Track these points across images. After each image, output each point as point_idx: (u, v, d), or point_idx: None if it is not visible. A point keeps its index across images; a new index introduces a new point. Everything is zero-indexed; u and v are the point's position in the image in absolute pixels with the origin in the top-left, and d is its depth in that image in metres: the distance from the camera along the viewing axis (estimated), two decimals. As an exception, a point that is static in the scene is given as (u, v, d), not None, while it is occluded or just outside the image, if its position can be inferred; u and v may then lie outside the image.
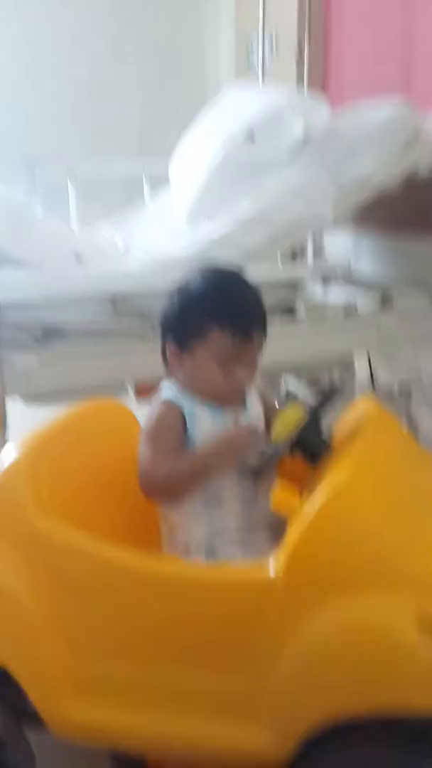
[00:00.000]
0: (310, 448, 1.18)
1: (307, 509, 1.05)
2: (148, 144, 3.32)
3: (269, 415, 1.31)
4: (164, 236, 2.22)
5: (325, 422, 1.24)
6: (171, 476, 1.21)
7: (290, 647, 1.04)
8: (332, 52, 2.98)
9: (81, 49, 3.49)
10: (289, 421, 1.19)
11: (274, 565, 1.05)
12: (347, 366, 2.36)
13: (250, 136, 2.05)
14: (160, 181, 2.61)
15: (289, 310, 2.11)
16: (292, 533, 1.05)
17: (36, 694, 1.19)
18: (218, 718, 1.11)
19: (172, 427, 1.23)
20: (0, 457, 1.26)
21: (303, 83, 2.90)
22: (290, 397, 2.36)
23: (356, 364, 2.46)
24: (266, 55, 3.08)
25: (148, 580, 1.13)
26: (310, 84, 2.88)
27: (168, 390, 1.28)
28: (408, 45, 2.61)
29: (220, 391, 1.25)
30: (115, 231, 2.44)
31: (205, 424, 1.24)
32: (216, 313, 1.22)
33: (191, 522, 1.25)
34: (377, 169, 2.02)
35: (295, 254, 2.53)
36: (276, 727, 1.08)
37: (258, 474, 1.20)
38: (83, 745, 1.23)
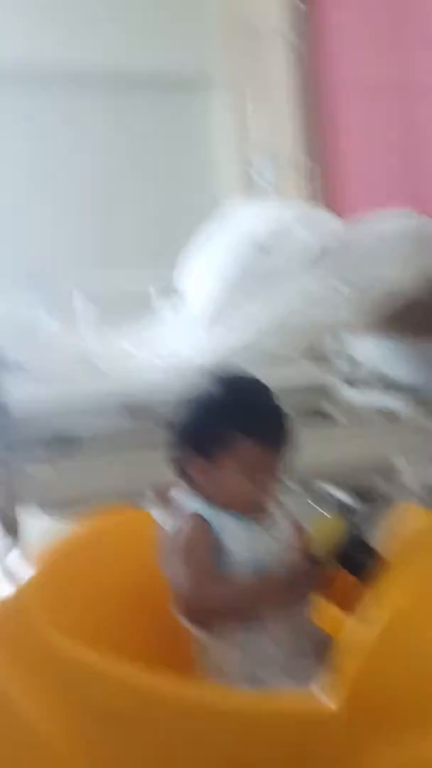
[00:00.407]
0: (357, 561, 1.11)
1: (365, 634, 0.95)
2: (153, 260, 3.38)
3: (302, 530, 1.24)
4: (180, 344, 2.20)
5: (370, 532, 1.17)
6: (228, 603, 1.13)
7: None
8: (335, 169, 3.08)
9: (89, 168, 3.61)
10: (330, 532, 1.14)
11: (330, 695, 0.94)
12: (387, 472, 2.29)
13: (263, 249, 2.08)
14: (166, 294, 2.65)
15: (317, 413, 2.07)
16: (350, 661, 0.95)
17: None
18: None
19: (205, 543, 1.16)
20: (14, 569, 1.19)
21: (307, 199, 2.98)
22: (328, 504, 2.28)
23: (401, 469, 2.39)
24: (268, 175, 3.18)
25: (180, 708, 1.02)
26: (315, 200, 2.95)
27: (192, 503, 1.21)
28: (410, 150, 2.68)
29: (247, 503, 1.19)
30: (127, 340, 2.43)
31: (239, 537, 1.17)
32: (245, 423, 1.18)
33: (231, 648, 1.14)
34: (394, 273, 2.04)
35: (319, 357, 2.51)
36: None
37: (304, 594, 1.14)
38: None
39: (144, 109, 3.71)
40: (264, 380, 1.26)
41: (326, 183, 3.03)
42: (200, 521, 1.17)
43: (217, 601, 1.13)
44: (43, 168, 3.52)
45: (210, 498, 1.20)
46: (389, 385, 2.35)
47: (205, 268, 2.29)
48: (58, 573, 1.18)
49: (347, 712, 0.92)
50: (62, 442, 1.83)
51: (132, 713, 1.03)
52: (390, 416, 2.16)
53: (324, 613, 1.19)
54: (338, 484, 2.29)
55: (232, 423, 1.18)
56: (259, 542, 1.19)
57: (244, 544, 1.17)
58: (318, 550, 1.13)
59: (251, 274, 2.11)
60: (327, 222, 2.21)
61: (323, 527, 1.15)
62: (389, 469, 2.19)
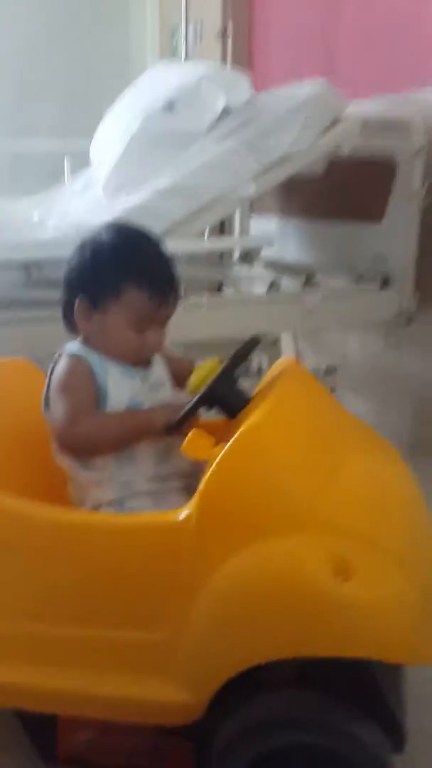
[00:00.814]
0: (226, 400, 1.15)
1: (218, 453, 1.02)
2: (71, 126, 3.26)
3: (183, 373, 1.29)
4: (83, 209, 2.16)
5: (246, 381, 1.22)
6: (97, 432, 1.18)
7: (203, 595, 1.01)
8: (257, 39, 3.00)
9: (8, 31, 3.42)
10: (204, 374, 1.18)
11: (185, 511, 1.02)
12: (273, 346, 2.36)
13: (169, 106, 2.03)
14: (83, 161, 2.57)
15: (215, 288, 2.09)
16: (204, 479, 1.02)
17: None
18: (131, 673, 1.08)
19: (84, 381, 1.20)
20: None
21: (227, 64, 2.90)
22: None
23: (282, 344, 2.47)
24: (191, 41, 3.06)
25: (52, 530, 1.09)
26: (234, 67, 2.87)
27: (73, 345, 1.24)
28: (332, 34, 2.64)
29: (131, 353, 1.23)
30: (34, 207, 2.38)
31: (116, 378, 1.21)
32: (135, 272, 1.19)
33: (102, 479, 1.21)
34: (297, 145, 2.03)
35: (223, 232, 2.52)
36: (191, 680, 1.05)
37: (174, 429, 1.18)
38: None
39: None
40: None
41: (247, 52, 2.95)
42: (80, 361, 1.20)
43: (90, 427, 1.17)
44: None
45: (93, 344, 1.22)
46: (278, 262, 2.40)
47: (112, 130, 2.23)
48: None
49: (197, 523, 1.00)
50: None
51: (13, 538, 1.10)
52: (276, 291, 2.19)
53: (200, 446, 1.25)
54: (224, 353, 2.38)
55: (123, 271, 1.19)
56: (138, 388, 1.23)
57: (123, 388, 1.21)
58: (193, 389, 1.18)
59: (154, 134, 2.06)
60: (236, 82, 2.16)
61: (199, 369, 1.20)
62: (275, 343, 2.27)
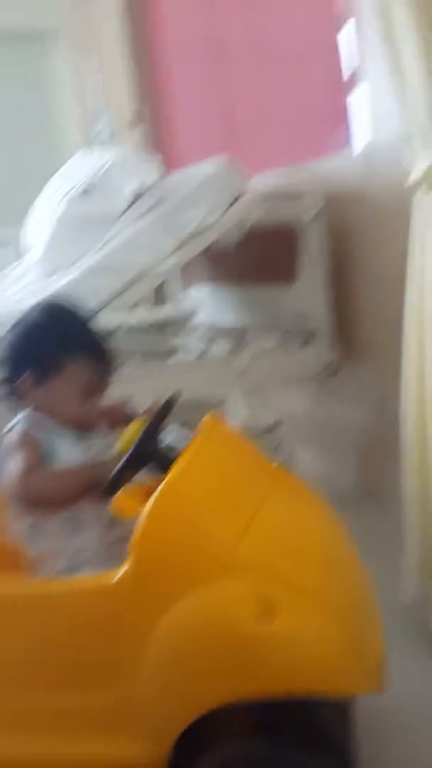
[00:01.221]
0: (152, 457, 1.19)
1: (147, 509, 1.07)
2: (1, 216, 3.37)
3: (119, 418, 1.36)
4: (19, 293, 2.25)
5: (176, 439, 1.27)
6: (47, 485, 1.24)
7: (147, 649, 1.05)
8: (167, 124, 3.18)
9: None
10: (130, 435, 1.22)
11: (122, 569, 1.07)
12: (219, 406, 2.43)
13: (86, 191, 2.15)
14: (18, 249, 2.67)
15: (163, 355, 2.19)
16: (134, 535, 1.07)
17: None
18: (95, 734, 1.11)
19: (34, 449, 1.26)
20: None
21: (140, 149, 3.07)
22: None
23: (226, 404, 2.55)
24: (106, 129, 3.24)
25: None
26: (147, 150, 3.04)
27: (24, 421, 1.30)
28: (232, 114, 2.82)
29: (77, 420, 1.31)
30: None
31: (64, 444, 1.29)
32: (75, 348, 1.29)
33: (54, 548, 1.26)
34: (207, 219, 2.16)
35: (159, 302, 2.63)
36: (151, 733, 1.08)
37: (108, 491, 1.20)
38: None
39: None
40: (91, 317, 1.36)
41: (158, 136, 3.13)
42: (29, 435, 1.28)
43: (41, 480, 1.24)
44: None
45: (43, 412, 1.30)
46: (213, 328, 2.51)
47: (42, 216, 2.35)
48: None
49: (131, 580, 1.06)
50: None
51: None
52: (214, 357, 2.29)
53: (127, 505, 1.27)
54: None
55: (61, 347, 1.29)
56: (81, 450, 1.30)
57: (68, 452, 1.28)
58: (122, 450, 1.22)
59: (78, 216, 2.18)
60: (144, 165, 2.30)
61: (125, 431, 1.24)
62: (213, 405, 2.35)
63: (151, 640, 1.05)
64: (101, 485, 1.21)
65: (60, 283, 2.07)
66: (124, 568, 1.07)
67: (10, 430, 1.30)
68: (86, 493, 1.24)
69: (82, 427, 1.32)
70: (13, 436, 1.29)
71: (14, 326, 1.34)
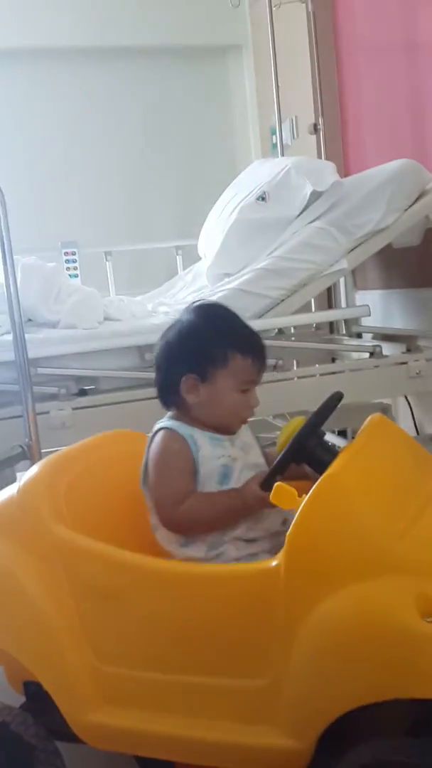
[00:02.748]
0: (312, 453, 1.19)
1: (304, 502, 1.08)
2: (185, 228, 3.53)
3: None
4: (191, 297, 2.35)
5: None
6: (195, 518, 1.24)
7: (298, 641, 1.06)
8: (348, 131, 3.16)
9: (122, 145, 3.79)
10: (291, 431, 1.22)
11: (276, 559, 1.09)
12: (384, 413, 2.40)
13: (262, 197, 2.19)
14: (194, 257, 2.79)
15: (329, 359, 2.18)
16: (291, 527, 1.08)
17: (65, 703, 1.23)
18: (239, 720, 1.12)
19: (182, 456, 1.26)
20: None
21: (321, 156, 3.08)
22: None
23: (393, 412, 2.51)
24: (287, 137, 3.28)
25: (158, 580, 1.18)
26: (328, 158, 3.05)
27: (165, 421, 1.31)
28: (418, 116, 2.76)
29: (237, 416, 1.32)
30: (149, 300, 2.60)
31: (206, 447, 1.28)
32: (237, 341, 1.30)
33: (198, 540, 1.27)
34: (385, 220, 2.13)
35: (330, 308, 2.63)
36: (295, 725, 1.08)
37: (265, 487, 1.22)
38: (111, 752, 1.25)
39: (172, 81, 3.85)
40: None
41: (340, 143, 3.12)
42: (175, 435, 1.28)
43: (188, 513, 1.24)
44: (79, 141, 3.71)
45: (197, 417, 1.29)
46: (384, 333, 2.46)
47: (214, 224, 2.42)
48: (60, 473, 1.32)
49: (287, 568, 1.06)
50: (80, 384, 2.01)
51: (121, 587, 1.20)
52: (380, 358, 2.25)
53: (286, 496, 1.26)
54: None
55: (224, 341, 1.29)
56: (228, 450, 1.29)
57: (212, 456, 1.27)
58: (279, 446, 1.22)
59: (250, 222, 2.22)
60: (321, 169, 2.30)
61: (285, 427, 1.24)
62: (385, 410, 2.30)
63: (302, 631, 1.05)
64: (251, 506, 1.22)
65: (231, 285, 2.12)
66: (279, 558, 1.08)
67: (153, 435, 1.30)
68: (236, 518, 1.25)
69: (240, 423, 1.33)
70: (157, 444, 1.28)
71: (169, 329, 1.35)
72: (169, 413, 1.34)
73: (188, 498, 1.25)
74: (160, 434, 1.30)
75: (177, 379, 1.30)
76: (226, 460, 1.28)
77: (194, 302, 1.39)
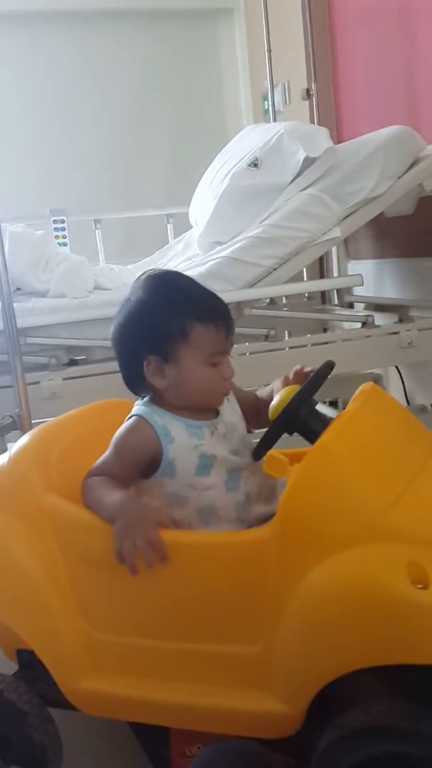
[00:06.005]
0: (304, 422, 1.17)
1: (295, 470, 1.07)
2: (176, 195, 3.49)
3: (249, 408, 1.30)
4: (182, 266, 2.32)
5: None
6: (84, 496, 1.21)
7: (289, 607, 1.06)
8: (341, 96, 3.12)
9: (112, 111, 3.72)
10: (284, 399, 1.19)
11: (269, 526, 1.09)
12: (375, 383, 2.40)
13: (254, 163, 2.16)
14: (185, 225, 2.76)
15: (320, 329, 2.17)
16: (282, 495, 1.09)
17: (57, 670, 1.24)
18: (232, 686, 1.13)
19: (138, 448, 1.20)
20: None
21: (314, 122, 3.04)
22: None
23: (384, 382, 2.51)
24: (279, 102, 3.23)
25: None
26: (321, 123, 3.01)
27: (140, 406, 1.24)
28: (413, 83, 2.72)
29: (212, 391, 1.22)
30: (139, 269, 2.57)
31: (181, 438, 1.20)
32: (194, 310, 1.18)
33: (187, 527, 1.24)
34: (378, 187, 2.10)
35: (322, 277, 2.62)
36: (286, 690, 1.09)
37: (257, 455, 1.22)
38: (105, 718, 1.26)
39: (162, 45, 3.78)
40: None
41: (333, 108, 3.08)
42: (143, 424, 1.20)
43: (89, 490, 1.21)
44: (67, 107, 3.64)
45: (169, 398, 1.21)
46: (375, 302, 2.45)
47: (205, 191, 2.39)
48: (50, 442, 1.32)
49: (278, 536, 1.07)
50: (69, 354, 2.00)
51: (112, 555, 1.18)
52: (371, 328, 2.24)
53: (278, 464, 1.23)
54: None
55: (180, 312, 1.17)
56: (207, 441, 1.21)
57: (188, 448, 1.20)
58: (271, 414, 1.19)
59: (242, 189, 2.19)
60: (314, 134, 2.27)
61: (281, 394, 1.20)
62: (376, 381, 2.30)
63: (294, 598, 1.05)
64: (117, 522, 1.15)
65: (222, 253, 2.10)
66: (271, 525, 1.08)
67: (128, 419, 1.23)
68: (110, 521, 1.15)
69: (219, 399, 1.24)
70: (123, 427, 1.22)
71: (119, 311, 1.22)
72: (146, 397, 1.25)
73: (103, 476, 1.20)
74: (129, 422, 1.22)
75: (139, 363, 1.20)
76: (205, 449, 1.21)
77: (140, 275, 1.25)
